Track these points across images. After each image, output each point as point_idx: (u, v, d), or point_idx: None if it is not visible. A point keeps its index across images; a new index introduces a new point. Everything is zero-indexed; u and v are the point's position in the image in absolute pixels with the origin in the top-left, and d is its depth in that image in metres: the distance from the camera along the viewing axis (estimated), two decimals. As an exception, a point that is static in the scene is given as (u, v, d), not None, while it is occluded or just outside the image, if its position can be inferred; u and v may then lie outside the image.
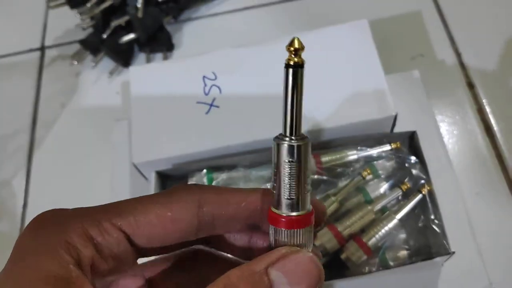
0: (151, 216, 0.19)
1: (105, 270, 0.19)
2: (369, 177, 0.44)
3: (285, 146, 0.18)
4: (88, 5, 0.59)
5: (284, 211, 0.19)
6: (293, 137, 0.18)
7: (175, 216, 0.19)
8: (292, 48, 0.17)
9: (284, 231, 0.19)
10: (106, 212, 0.19)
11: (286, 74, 0.18)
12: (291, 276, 0.18)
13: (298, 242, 0.19)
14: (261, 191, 0.21)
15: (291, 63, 0.18)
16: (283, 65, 0.18)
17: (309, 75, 0.47)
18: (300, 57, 0.18)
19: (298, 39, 0.18)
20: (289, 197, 0.19)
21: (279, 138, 0.19)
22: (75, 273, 0.17)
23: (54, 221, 0.18)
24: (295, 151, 0.18)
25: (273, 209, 0.20)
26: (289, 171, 0.18)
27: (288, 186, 0.19)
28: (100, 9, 0.59)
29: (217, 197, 0.20)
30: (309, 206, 0.20)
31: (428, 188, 0.42)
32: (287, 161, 0.18)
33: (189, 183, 0.45)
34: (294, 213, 0.19)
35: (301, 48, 0.18)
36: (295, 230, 0.19)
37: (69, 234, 0.17)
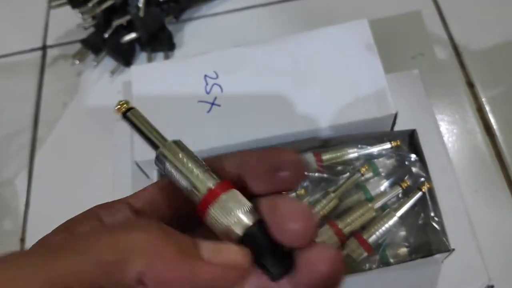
0: (148, 189, 0.22)
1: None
2: (369, 174, 0.44)
3: (156, 159, 0.21)
4: (90, 4, 0.59)
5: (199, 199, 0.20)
6: (157, 150, 0.21)
7: (164, 183, 0.22)
8: (118, 107, 0.22)
9: (207, 218, 0.19)
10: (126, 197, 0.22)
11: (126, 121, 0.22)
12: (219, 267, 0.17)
13: (227, 220, 0.19)
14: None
15: (123, 111, 0.22)
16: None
17: (310, 74, 0.47)
18: (124, 104, 0.22)
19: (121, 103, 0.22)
20: (188, 188, 0.20)
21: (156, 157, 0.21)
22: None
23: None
24: (161, 157, 0.21)
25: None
26: (170, 171, 0.20)
27: (180, 181, 0.20)
28: (102, 9, 0.60)
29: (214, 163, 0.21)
30: (209, 184, 0.19)
31: (428, 186, 0.43)
32: (162, 167, 0.21)
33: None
34: (198, 196, 0.19)
35: (121, 104, 0.22)
36: (210, 210, 0.19)
37: None
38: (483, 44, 0.57)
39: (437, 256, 0.39)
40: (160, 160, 0.21)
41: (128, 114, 0.22)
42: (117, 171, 0.53)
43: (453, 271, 0.43)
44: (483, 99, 0.54)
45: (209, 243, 0.17)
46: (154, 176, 0.45)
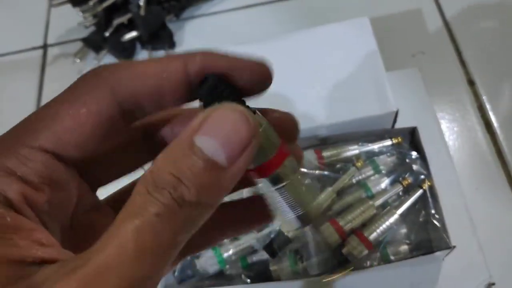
0: (66, 121, 0.16)
1: (45, 198, 0.16)
2: (369, 172, 0.44)
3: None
4: (91, 3, 0.59)
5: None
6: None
7: (90, 110, 0.16)
8: None
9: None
10: (18, 136, 0.16)
11: None
12: (219, 135, 0.15)
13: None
14: (184, 56, 0.17)
15: None
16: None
17: (311, 72, 0.47)
18: None
19: None
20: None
21: None
22: (9, 216, 0.14)
23: None
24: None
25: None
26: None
27: None
28: (103, 7, 0.60)
29: (129, 73, 0.17)
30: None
31: (428, 183, 0.43)
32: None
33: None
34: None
35: None
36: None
37: None
38: (484, 42, 0.57)
39: (438, 253, 0.40)
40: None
41: None
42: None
43: (454, 268, 0.43)
44: (484, 97, 0.54)
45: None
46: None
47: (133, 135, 0.20)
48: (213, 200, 0.15)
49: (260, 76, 0.19)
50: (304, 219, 0.18)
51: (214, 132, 0.15)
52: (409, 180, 0.44)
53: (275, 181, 0.18)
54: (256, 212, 0.20)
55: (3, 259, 0.14)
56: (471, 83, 0.55)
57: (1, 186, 0.15)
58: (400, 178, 0.44)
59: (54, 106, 0.17)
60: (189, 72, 0.17)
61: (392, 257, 0.42)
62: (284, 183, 0.18)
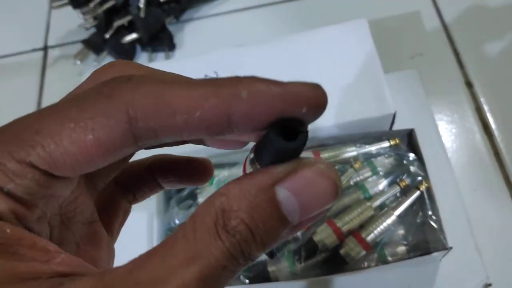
0: (65, 144, 0.14)
1: (37, 215, 0.15)
2: (367, 173, 0.44)
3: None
4: (91, 5, 0.60)
5: None
6: None
7: (97, 138, 0.14)
8: None
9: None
10: (7, 144, 0.14)
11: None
12: (303, 197, 0.14)
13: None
14: (227, 90, 0.14)
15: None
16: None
17: (309, 74, 0.47)
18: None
19: None
20: None
21: None
22: (8, 228, 0.13)
23: None
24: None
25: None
26: None
27: None
28: (103, 9, 0.60)
29: (155, 102, 0.14)
30: None
31: (426, 185, 0.43)
32: None
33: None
34: None
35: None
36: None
37: None
38: (482, 44, 0.58)
39: (435, 254, 0.40)
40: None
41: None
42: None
43: (451, 269, 0.43)
44: (482, 99, 0.54)
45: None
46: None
47: None
48: (262, 253, 0.14)
49: (317, 103, 0.14)
50: None
51: (299, 191, 0.14)
52: (407, 181, 0.44)
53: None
54: (196, 170, 0.21)
55: (16, 275, 0.13)
56: (469, 85, 0.55)
57: None
58: (398, 180, 0.44)
59: (56, 118, 0.14)
60: (231, 114, 0.14)
61: (389, 258, 0.42)
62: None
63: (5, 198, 0.13)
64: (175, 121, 0.14)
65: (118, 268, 0.13)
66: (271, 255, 0.43)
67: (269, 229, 0.14)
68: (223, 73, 0.49)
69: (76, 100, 0.14)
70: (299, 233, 0.42)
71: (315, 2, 0.65)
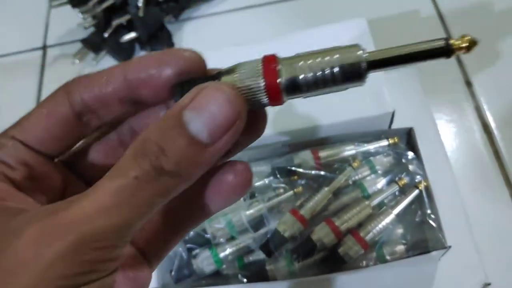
0: (31, 119, 0.19)
1: (20, 175, 0.19)
2: (365, 172, 0.44)
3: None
4: (90, 4, 0.60)
5: None
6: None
7: (48, 110, 0.19)
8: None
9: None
10: (7, 129, 0.20)
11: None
12: (207, 114, 0.16)
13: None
14: (124, 63, 0.19)
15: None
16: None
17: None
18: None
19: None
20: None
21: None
22: None
23: None
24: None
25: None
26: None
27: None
28: (102, 8, 0.60)
29: (82, 81, 0.19)
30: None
31: (424, 183, 0.43)
32: None
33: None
34: None
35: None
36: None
37: None
38: (482, 43, 0.57)
39: (434, 253, 0.40)
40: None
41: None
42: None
43: (450, 268, 0.43)
44: (481, 98, 0.54)
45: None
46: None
47: (103, 130, 0.22)
48: (191, 173, 0.16)
49: (193, 64, 0.20)
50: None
51: (201, 110, 0.16)
52: (405, 180, 0.44)
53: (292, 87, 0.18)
54: (236, 175, 0.20)
55: None
56: (468, 84, 0.55)
57: None
58: (396, 178, 0.44)
59: (34, 108, 0.20)
60: (127, 77, 0.19)
61: (388, 257, 0.42)
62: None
63: None
64: (94, 91, 0.19)
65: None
66: (269, 254, 0.42)
67: (179, 147, 0.16)
68: (222, 72, 0.49)
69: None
70: (297, 232, 0.42)
71: (314, 1, 0.65)
